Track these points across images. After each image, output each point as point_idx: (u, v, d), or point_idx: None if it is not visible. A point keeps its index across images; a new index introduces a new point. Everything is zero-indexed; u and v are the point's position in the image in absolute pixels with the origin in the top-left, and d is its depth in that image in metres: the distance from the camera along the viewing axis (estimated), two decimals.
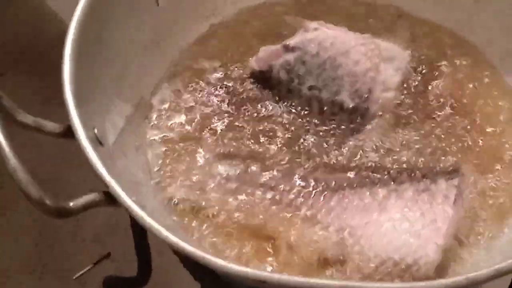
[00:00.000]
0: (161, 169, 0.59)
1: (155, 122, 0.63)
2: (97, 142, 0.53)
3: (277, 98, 0.63)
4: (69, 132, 0.51)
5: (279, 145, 0.60)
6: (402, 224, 0.53)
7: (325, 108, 0.62)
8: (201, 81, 0.66)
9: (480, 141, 0.60)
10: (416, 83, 0.64)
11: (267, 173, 0.58)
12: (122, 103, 0.60)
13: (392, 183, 0.56)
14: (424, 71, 0.65)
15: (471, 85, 0.64)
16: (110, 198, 0.48)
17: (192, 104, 0.64)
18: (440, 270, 0.51)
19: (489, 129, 0.61)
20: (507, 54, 0.65)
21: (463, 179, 0.56)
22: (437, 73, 0.65)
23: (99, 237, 0.99)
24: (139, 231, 0.70)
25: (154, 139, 0.61)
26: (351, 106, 0.61)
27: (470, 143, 0.60)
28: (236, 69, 0.66)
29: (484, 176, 0.58)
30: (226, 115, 0.63)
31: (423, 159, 0.59)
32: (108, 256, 0.98)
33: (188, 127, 0.62)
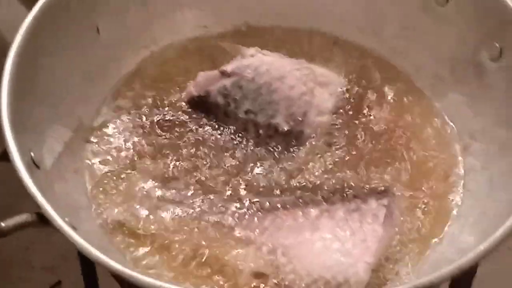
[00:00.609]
0: (100, 193, 0.60)
1: (95, 147, 0.63)
2: (34, 165, 0.53)
3: (214, 122, 0.64)
4: (5, 156, 0.52)
5: (214, 168, 0.61)
6: (333, 243, 0.54)
7: (261, 131, 0.63)
8: (140, 107, 0.66)
9: (410, 162, 0.62)
10: (349, 107, 0.66)
11: (202, 195, 0.59)
12: (61, 128, 0.61)
13: (324, 203, 0.58)
14: (357, 96, 0.67)
15: (401, 109, 0.67)
16: (42, 219, 0.49)
17: (131, 129, 0.65)
18: None
19: (419, 151, 0.63)
20: (436, 79, 0.68)
21: (393, 199, 0.58)
22: (369, 98, 0.67)
23: (50, 265, 0.98)
24: (86, 259, 0.70)
25: (93, 163, 0.62)
26: (286, 129, 0.62)
27: (400, 164, 0.62)
28: (174, 94, 0.67)
29: (414, 196, 0.60)
30: (163, 139, 0.63)
31: (355, 180, 0.60)
32: (59, 285, 0.97)
33: (126, 152, 0.63)
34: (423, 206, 0.59)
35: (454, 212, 0.59)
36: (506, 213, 0.47)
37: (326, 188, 0.59)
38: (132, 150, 0.63)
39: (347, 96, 0.67)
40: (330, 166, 0.61)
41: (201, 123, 0.65)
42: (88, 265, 0.71)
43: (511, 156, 0.57)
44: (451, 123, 0.65)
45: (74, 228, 0.48)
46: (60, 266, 0.97)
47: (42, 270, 0.97)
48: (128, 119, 0.66)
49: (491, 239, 0.45)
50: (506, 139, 0.59)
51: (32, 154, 0.54)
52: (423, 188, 0.60)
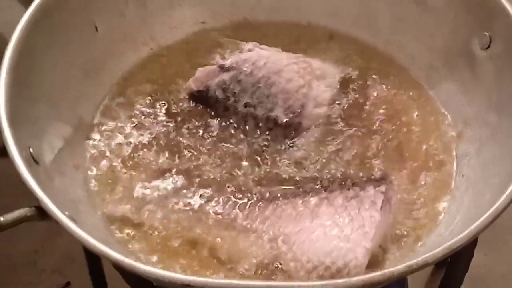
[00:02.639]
0: (100, 188, 0.61)
1: (95, 143, 0.64)
2: (33, 160, 0.54)
3: (214, 116, 0.66)
4: (4, 151, 0.52)
5: (216, 160, 0.62)
6: (333, 229, 0.55)
7: (260, 124, 0.64)
8: (140, 103, 0.68)
9: (407, 150, 0.63)
10: (346, 98, 0.67)
11: (203, 187, 0.60)
12: (61, 124, 0.62)
13: (324, 191, 0.59)
14: (354, 87, 0.69)
15: (396, 99, 0.68)
16: (42, 213, 0.49)
17: (131, 124, 0.66)
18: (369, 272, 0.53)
19: (416, 140, 0.65)
20: (431, 70, 0.69)
21: (391, 186, 0.59)
22: (366, 89, 0.69)
23: (59, 267, 0.99)
24: (92, 257, 0.71)
25: (94, 159, 0.63)
26: (284, 121, 0.64)
27: (397, 152, 0.63)
28: (174, 90, 0.68)
29: (411, 184, 0.61)
30: (164, 134, 0.65)
31: (353, 169, 0.62)
32: (68, 286, 0.98)
33: (126, 147, 0.64)
34: (419, 192, 0.60)
35: (449, 196, 0.60)
36: (497, 195, 0.48)
37: (325, 177, 0.61)
38: (132, 145, 0.64)
39: (344, 88, 0.68)
40: (329, 156, 0.63)
41: (201, 117, 0.66)
42: (95, 264, 0.72)
43: (502, 140, 0.59)
44: (446, 111, 0.67)
45: (74, 221, 0.49)
46: (68, 268, 0.98)
47: (51, 272, 0.98)
48: (128, 115, 0.67)
49: (480, 221, 0.46)
50: (497, 124, 0.60)
51: (31, 149, 0.54)
52: (419, 174, 0.62)
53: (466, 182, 0.60)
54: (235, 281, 0.44)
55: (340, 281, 0.43)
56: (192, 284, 0.43)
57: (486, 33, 0.62)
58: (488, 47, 0.62)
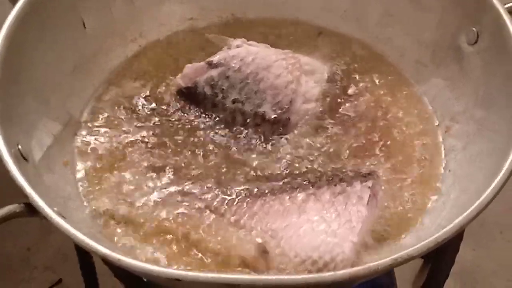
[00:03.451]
0: (90, 184, 0.61)
1: (84, 139, 0.64)
2: (22, 157, 0.54)
3: (202, 113, 0.66)
4: None
5: (204, 157, 0.62)
6: (320, 225, 0.56)
7: (249, 120, 0.65)
8: (128, 100, 0.68)
9: (394, 146, 0.64)
10: (335, 94, 0.68)
11: (191, 184, 0.60)
12: (50, 121, 0.62)
13: (311, 187, 0.59)
14: (342, 83, 0.69)
15: (385, 95, 0.68)
16: (31, 209, 0.50)
17: (120, 121, 0.66)
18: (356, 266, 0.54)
19: (403, 135, 0.65)
20: (419, 66, 0.70)
21: (378, 181, 0.59)
22: (354, 84, 0.69)
23: (51, 264, 0.99)
24: (84, 253, 0.71)
25: (83, 155, 0.63)
26: (273, 117, 0.64)
27: (385, 147, 0.63)
28: (162, 87, 0.69)
29: (398, 178, 0.61)
30: (152, 131, 0.65)
31: (341, 164, 0.62)
32: (60, 282, 0.98)
33: (115, 143, 0.64)
34: (406, 187, 0.61)
35: (436, 191, 0.60)
36: (483, 189, 0.49)
37: (312, 173, 0.61)
38: (121, 142, 0.64)
39: (333, 84, 0.68)
40: (317, 152, 0.63)
41: (190, 114, 0.66)
42: (86, 261, 0.72)
43: (488, 135, 0.59)
44: (434, 107, 0.67)
45: (63, 217, 0.49)
46: (61, 265, 0.98)
47: (44, 269, 0.98)
48: (117, 111, 0.67)
49: (465, 215, 0.47)
50: (484, 120, 0.60)
51: (19, 146, 0.55)
52: (406, 170, 0.62)
53: (453, 176, 0.60)
54: (223, 275, 0.44)
55: (326, 274, 0.43)
56: (181, 279, 0.43)
57: (473, 29, 0.63)
58: (476, 42, 0.63)
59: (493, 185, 0.48)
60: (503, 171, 0.49)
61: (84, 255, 0.72)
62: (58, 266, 1.00)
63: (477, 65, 0.63)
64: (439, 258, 0.61)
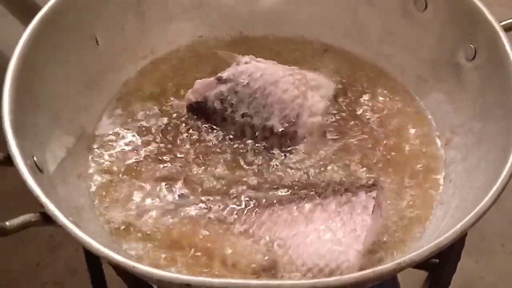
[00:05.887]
0: (102, 195, 0.63)
1: (97, 152, 0.67)
2: (37, 169, 0.56)
3: (213, 127, 0.68)
4: (10, 160, 0.55)
5: (214, 168, 0.65)
6: (326, 234, 0.58)
7: (257, 133, 0.67)
8: (140, 114, 0.70)
9: (397, 158, 0.66)
10: (340, 108, 0.70)
11: (202, 195, 0.63)
12: (64, 135, 0.65)
13: (318, 197, 0.61)
14: (347, 98, 0.71)
15: (388, 110, 0.71)
16: (46, 218, 0.51)
17: (132, 135, 0.68)
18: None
19: (406, 148, 0.67)
20: (419, 80, 0.72)
21: (382, 192, 0.62)
22: (358, 99, 0.71)
23: (61, 279, 1.00)
24: (94, 267, 0.73)
25: (96, 168, 0.65)
26: (280, 130, 0.66)
27: (388, 159, 0.66)
28: (173, 101, 0.71)
29: (401, 188, 0.64)
30: (164, 144, 0.67)
31: (346, 175, 0.64)
32: None
33: (128, 157, 0.66)
34: (409, 197, 0.63)
35: (437, 200, 0.62)
36: (481, 197, 0.51)
37: (319, 183, 0.63)
38: (133, 155, 0.66)
39: (338, 98, 0.71)
40: (323, 163, 0.65)
41: (200, 127, 0.68)
42: (97, 275, 0.73)
43: (485, 147, 0.61)
44: (434, 120, 0.70)
45: (78, 226, 0.51)
46: (70, 280, 0.99)
47: (53, 284, 0.99)
48: (129, 126, 0.69)
49: (464, 222, 0.49)
50: (481, 132, 0.63)
51: (35, 158, 0.57)
52: (410, 181, 0.64)
53: (453, 186, 0.62)
54: (233, 280, 0.46)
55: (331, 279, 0.45)
56: (191, 284, 0.45)
57: (471, 45, 0.65)
58: (473, 58, 0.65)
59: (491, 193, 0.51)
60: (500, 180, 0.52)
61: (94, 269, 0.74)
62: (67, 281, 1.01)
63: (475, 80, 0.65)
64: (441, 265, 0.63)
